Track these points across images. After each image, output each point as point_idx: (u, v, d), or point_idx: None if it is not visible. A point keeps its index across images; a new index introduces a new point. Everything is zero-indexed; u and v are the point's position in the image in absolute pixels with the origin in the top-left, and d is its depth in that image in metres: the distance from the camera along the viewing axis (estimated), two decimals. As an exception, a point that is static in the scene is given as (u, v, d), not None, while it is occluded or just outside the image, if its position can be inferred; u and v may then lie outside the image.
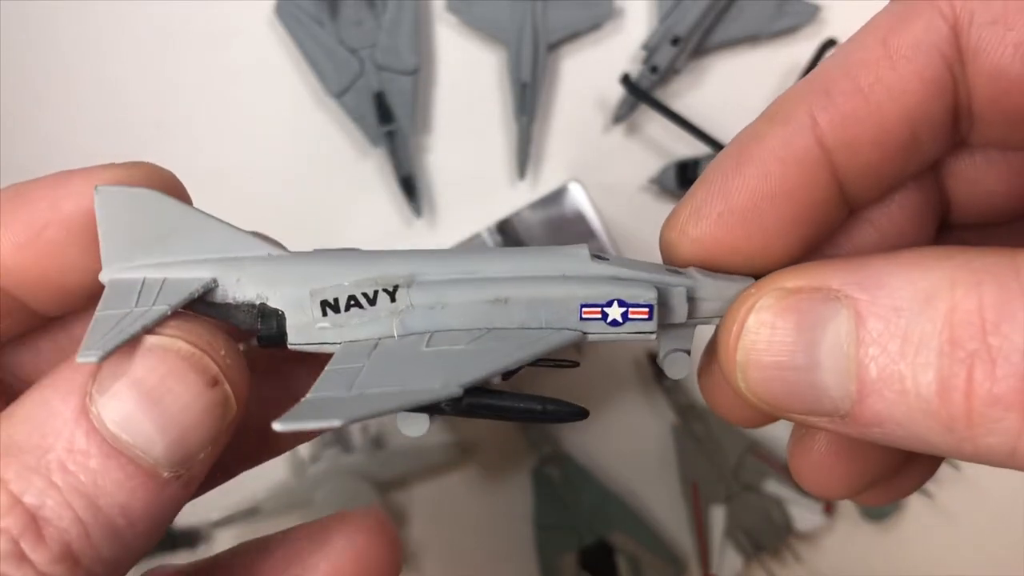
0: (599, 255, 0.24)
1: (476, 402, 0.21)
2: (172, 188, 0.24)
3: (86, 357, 0.20)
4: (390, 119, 0.59)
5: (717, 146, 0.57)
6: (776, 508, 0.59)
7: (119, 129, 0.61)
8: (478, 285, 0.23)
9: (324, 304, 0.23)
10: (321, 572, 0.26)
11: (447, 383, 0.20)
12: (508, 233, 0.57)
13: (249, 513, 0.59)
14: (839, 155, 0.23)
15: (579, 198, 0.56)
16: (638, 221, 0.60)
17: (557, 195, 0.56)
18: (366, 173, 0.61)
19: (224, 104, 0.62)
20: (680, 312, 0.24)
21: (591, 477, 0.60)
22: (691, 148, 0.59)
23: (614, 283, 0.23)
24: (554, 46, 0.61)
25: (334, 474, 0.59)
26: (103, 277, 0.23)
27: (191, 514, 0.59)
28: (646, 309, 0.23)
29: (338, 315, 0.23)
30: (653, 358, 0.60)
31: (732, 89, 0.61)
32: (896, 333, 0.19)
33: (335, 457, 0.59)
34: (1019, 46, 0.20)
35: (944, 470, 0.61)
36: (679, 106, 0.59)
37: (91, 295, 0.23)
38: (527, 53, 0.59)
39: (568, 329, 0.23)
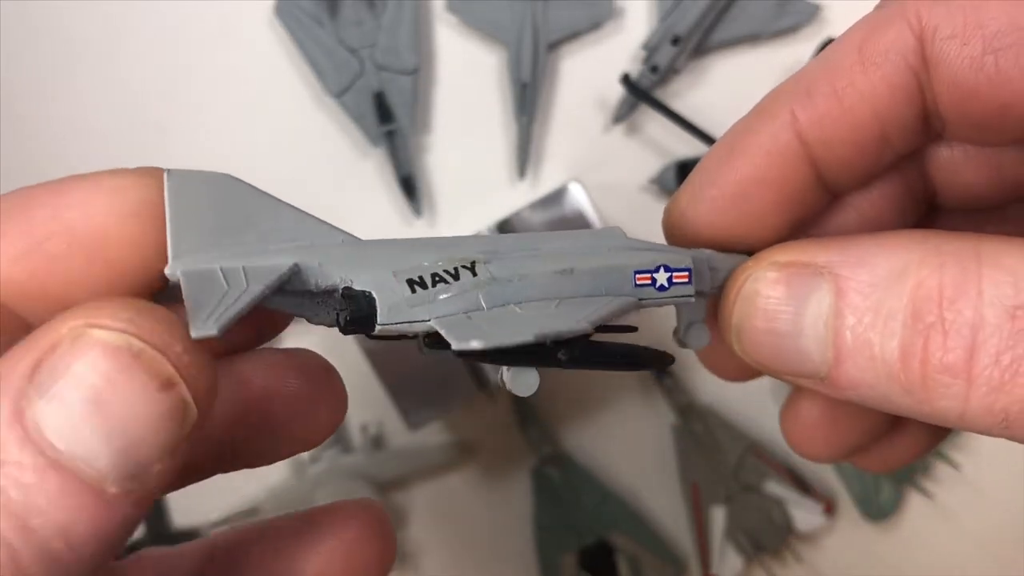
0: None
1: (596, 343, 0.23)
2: None
3: (203, 330, 0.19)
4: (390, 119, 0.59)
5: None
6: (776, 508, 0.59)
7: (119, 129, 0.61)
8: (546, 258, 0.25)
9: (411, 283, 0.22)
10: (314, 561, 0.26)
11: (579, 320, 0.22)
12: (508, 233, 0.56)
13: (249, 513, 0.59)
14: (817, 149, 0.25)
15: (579, 198, 0.56)
16: (638, 221, 0.60)
17: (557, 195, 0.56)
18: (366, 173, 0.61)
19: (224, 104, 0.62)
20: (705, 280, 0.26)
21: (591, 477, 0.60)
22: (691, 148, 0.59)
23: (657, 251, 0.26)
24: (554, 46, 0.61)
25: (334, 474, 0.59)
26: (171, 271, 0.20)
27: (191, 514, 0.59)
28: (686, 273, 0.26)
29: (426, 291, 0.23)
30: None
31: (732, 89, 0.61)
32: (870, 306, 0.22)
33: (335, 457, 0.59)
34: (973, 60, 0.23)
35: (944, 470, 0.61)
36: (679, 106, 0.59)
37: None
38: (527, 53, 0.59)
39: (626, 296, 0.25)
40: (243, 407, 0.24)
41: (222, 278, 0.20)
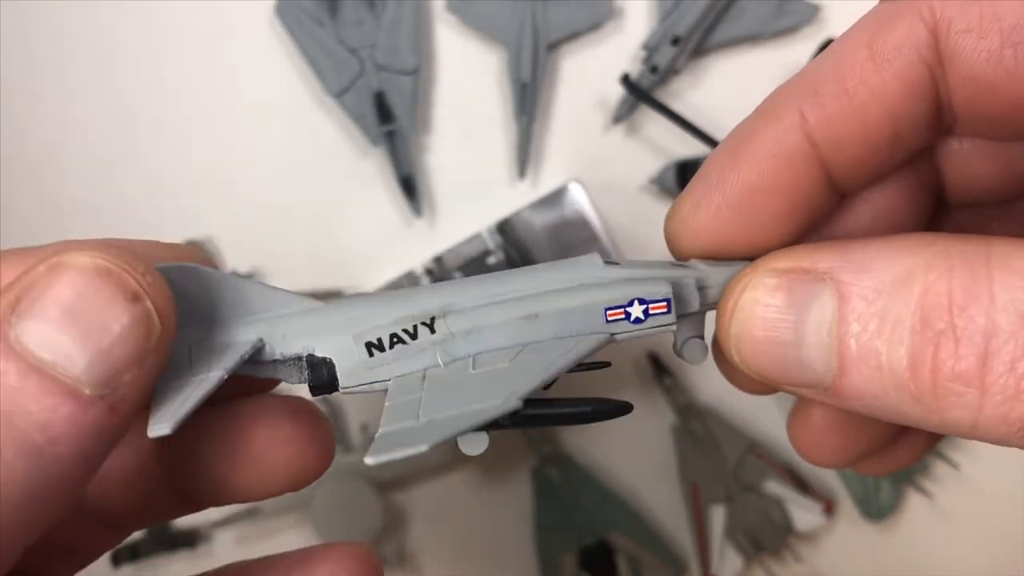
0: (610, 260, 0.26)
1: (532, 412, 0.23)
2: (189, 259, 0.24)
3: (159, 430, 0.21)
4: (390, 119, 0.59)
5: (717, 146, 0.57)
6: (776, 508, 0.59)
7: (119, 129, 0.61)
8: (508, 305, 0.25)
9: (369, 345, 0.24)
10: None
11: (507, 397, 0.22)
12: (508, 233, 0.57)
13: (249, 513, 0.59)
14: (827, 151, 0.24)
15: (579, 198, 0.56)
16: (638, 221, 0.60)
17: (557, 195, 0.56)
18: (366, 173, 0.61)
19: (224, 104, 0.62)
20: (693, 301, 0.25)
21: (591, 477, 0.60)
22: (691, 148, 0.59)
23: (631, 284, 0.25)
24: (554, 46, 0.61)
25: (334, 474, 0.59)
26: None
27: (192, 515, 0.59)
28: (664, 303, 0.25)
29: (384, 353, 0.24)
30: (653, 358, 0.61)
31: (732, 89, 0.61)
32: (875, 313, 0.21)
33: (335, 457, 0.59)
34: (991, 54, 0.22)
35: (944, 470, 0.61)
36: (679, 106, 0.59)
37: None
38: (527, 53, 0.59)
39: (597, 333, 0.25)
40: (236, 447, 0.26)
41: (190, 361, 0.23)
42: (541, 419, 0.23)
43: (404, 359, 0.24)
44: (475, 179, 0.62)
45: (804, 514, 0.59)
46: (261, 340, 0.24)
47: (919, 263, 0.21)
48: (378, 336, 0.24)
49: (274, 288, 0.25)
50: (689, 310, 0.25)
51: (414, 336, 0.24)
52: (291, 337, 0.24)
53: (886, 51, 0.23)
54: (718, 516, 0.59)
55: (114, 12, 0.61)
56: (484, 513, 0.62)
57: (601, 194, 0.57)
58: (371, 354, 0.24)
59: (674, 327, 0.25)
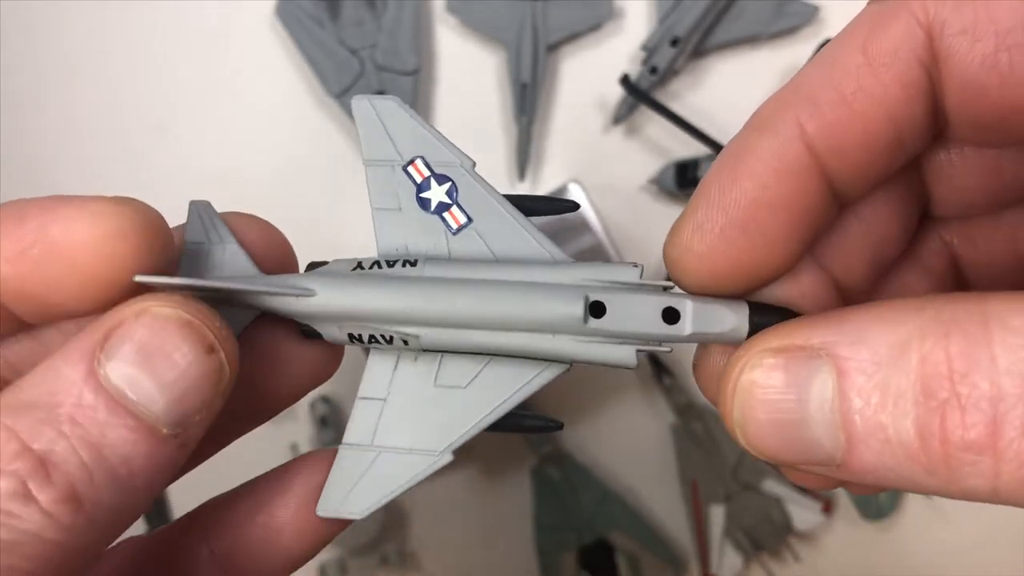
0: (594, 301, 0.25)
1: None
2: (156, 225, 0.25)
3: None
4: (390, 119, 0.59)
5: (716, 146, 0.57)
6: (775, 507, 0.59)
7: (120, 129, 0.62)
8: (476, 337, 0.26)
9: (351, 336, 0.27)
10: (284, 515, 0.28)
11: (443, 450, 0.26)
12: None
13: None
14: (829, 160, 0.23)
15: (579, 198, 0.56)
16: (638, 221, 0.60)
17: (557, 195, 0.56)
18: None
19: (224, 104, 0.62)
20: (665, 354, 0.25)
21: (591, 477, 0.60)
22: (690, 148, 0.60)
23: (602, 348, 0.25)
24: (554, 46, 0.61)
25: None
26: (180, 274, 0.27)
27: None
28: (629, 369, 0.26)
29: (361, 343, 0.27)
30: (653, 358, 0.61)
31: (732, 90, 0.61)
32: (876, 386, 0.20)
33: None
34: (986, 57, 0.21)
35: (943, 470, 0.61)
36: (678, 107, 0.59)
37: (69, 312, 0.25)
38: (527, 53, 0.59)
39: (555, 363, 0.26)
40: (271, 356, 0.28)
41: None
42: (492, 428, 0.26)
43: (379, 352, 0.27)
44: (475, 179, 0.62)
45: (803, 513, 0.59)
46: (267, 311, 0.27)
47: (914, 331, 0.20)
48: (359, 332, 0.26)
49: (268, 288, 0.27)
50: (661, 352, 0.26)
51: (390, 343, 0.26)
52: (294, 315, 0.27)
53: (882, 54, 0.23)
54: (717, 515, 0.59)
55: (115, 13, 0.62)
56: (484, 513, 0.62)
57: (601, 194, 0.57)
58: (351, 341, 0.27)
59: (636, 367, 0.26)
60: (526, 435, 0.60)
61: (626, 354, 0.25)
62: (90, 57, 0.62)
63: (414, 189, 0.28)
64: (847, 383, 0.21)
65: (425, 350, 0.26)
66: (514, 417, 0.26)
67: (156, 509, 0.58)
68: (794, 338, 0.22)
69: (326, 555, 0.59)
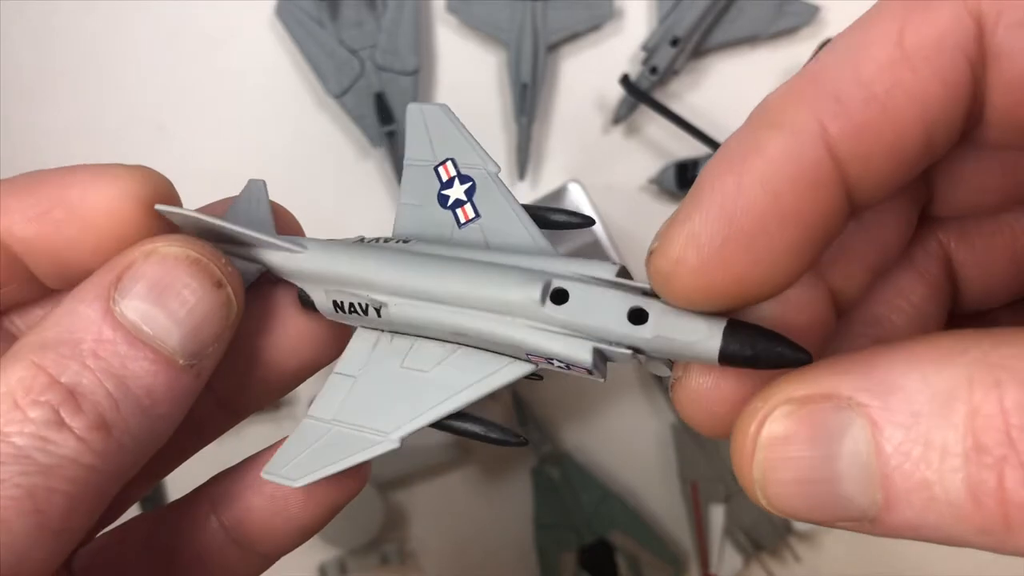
0: (557, 288, 0.24)
1: (443, 422, 0.25)
2: (165, 192, 0.27)
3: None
4: (390, 119, 0.59)
5: (716, 146, 0.57)
6: (775, 508, 0.59)
7: (120, 129, 0.62)
8: (440, 314, 0.25)
9: (335, 304, 0.27)
10: (301, 497, 0.29)
11: (390, 435, 0.25)
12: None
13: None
14: (852, 167, 0.20)
15: (579, 198, 0.56)
16: (638, 221, 0.60)
17: (557, 195, 0.56)
18: (366, 173, 0.62)
19: (224, 105, 0.62)
20: (628, 363, 0.24)
21: (591, 477, 0.60)
22: (690, 148, 0.60)
23: (556, 339, 0.24)
24: (554, 46, 0.61)
25: (334, 474, 0.59)
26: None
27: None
28: (584, 369, 0.24)
29: (344, 313, 0.28)
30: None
31: (732, 90, 0.61)
32: (917, 439, 0.18)
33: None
34: None
35: (943, 470, 0.61)
36: (678, 107, 0.59)
37: (86, 271, 0.26)
38: (527, 53, 0.59)
39: (521, 361, 0.25)
40: (278, 328, 0.30)
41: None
42: (437, 427, 0.26)
43: (360, 322, 0.28)
44: (475, 179, 0.62)
45: (803, 513, 0.59)
46: (264, 270, 0.28)
47: (959, 379, 0.18)
48: (340, 299, 0.27)
49: (268, 238, 0.28)
50: (623, 363, 0.24)
51: (365, 312, 0.27)
52: (283, 274, 0.28)
53: (922, 47, 0.20)
54: (717, 515, 0.59)
55: (115, 14, 0.62)
56: (484, 513, 0.62)
57: (601, 194, 0.57)
58: (335, 311, 0.28)
59: (603, 381, 0.24)
60: (525, 433, 0.60)
61: (582, 351, 0.23)
62: (90, 57, 0.62)
63: (438, 187, 0.29)
64: (883, 437, 0.18)
65: (396, 331, 0.27)
66: (472, 422, 0.26)
67: (153, 495, 0.58)
68: (819, 386, 0.20)
69: (326, 555, 0.59)
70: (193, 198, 0.29)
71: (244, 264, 0.28)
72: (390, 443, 0.25)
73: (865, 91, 0.20)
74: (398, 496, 0.61)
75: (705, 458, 0.60)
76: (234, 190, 0.31)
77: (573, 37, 0.61)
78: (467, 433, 0.26)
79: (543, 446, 0.60)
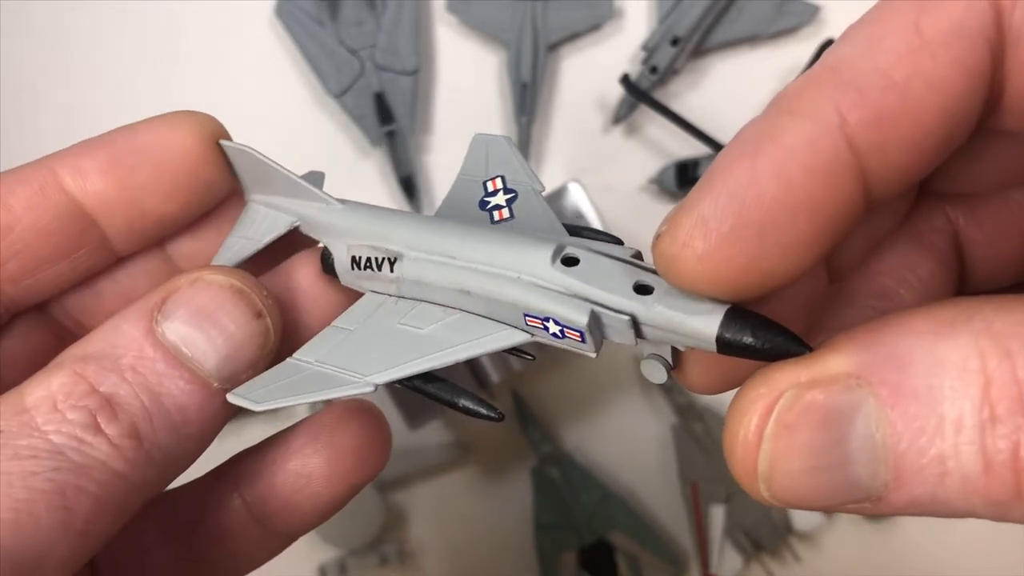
0: (568, 255, 0.24)
1: (403, 384, 0.25)
2: (221, 131, 0.29)
3: (217, 261, 0.29)
4: (390, 119, 0.59)
5: (716, 146, 0.57)
6: (776, 508, 0.59)
7: (119, 129, 0.61)
8: (450, 271, 0.26)
9: (352, 260, 0.28)
10: (316, 461, 0.30)
11: (365, 378, 0.25)
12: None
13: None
14: (871, 158, 0.20)
15: (579, 198, 0.56)
16: (638, 221, 0.60)
17: (557, 195, 0.56)
18: (366, 173, 0.61)
19: (224, 104, 0.62)
20: (625, 335, 0.23)
21: (591, 477, 0.60)
22: (691, 148, 0.60)
23: (556, 299, 0.23)
24: (554, 46, 0.61)
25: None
26: (248, 198, 0.31)
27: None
28: (577, 333, 0.23)
29: (360, 271, 0.28)
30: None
31: (732, 89, 0.61)
32: (932, 413, 0.18)
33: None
34: None
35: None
36: (679, 106, 0.59)
37: (159, 217, 0.28)
38: (527, 53, 0.59)
39: (519, 329, 0.25)
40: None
41: (255, 219, 0.30)
42: (414, 390, 0.25)
43: (372, 281, 0.28)
44: (475, 179, 0.62)
45: (803, 513, 0.59)
46: (297, 223, 0.30)
47: (969, 350, 0.18)
48: (359, 254, 0.28)
49: (307, 185, 0.30)
50: (620, 341, 0.23)
51: (379, 267, 0.27)
52: (312, 229, 0.30)
53: (942, 33, 0.19)
54: (718, 516, 0.59)
55: (115, 13, 0.62)
56: (484, 513, 0.62)
57: (601, 194, 0.57)
58: (352, 267, 0.28)
59: (595, 355, 0.24)
60: (526, 435, 0.60)
61: (579, 312, 0.23)
62: (88, 57, 0.62)
63: (482, 195, 0.30)
64: (896, 412, 0.18)
65: (403, 296, 0.27)
66: (450, 391, 0.25)
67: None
68: (825, 367, 0.19)
69: (326, 555, 0.59)
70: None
71: (276, 215, 0.30)
72: (364, 386, 0.25)
73: (884, 79, 0.19)
74: (398, 496, 0.61)
75: (705, 458, 0.60)
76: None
77: (573, 37, 0.61)
78: (439, 398, 0.25)
79: (543, 446, 0.60)
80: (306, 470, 0.29)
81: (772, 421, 0.19)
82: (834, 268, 0.25)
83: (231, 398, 0.26)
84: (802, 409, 0.19)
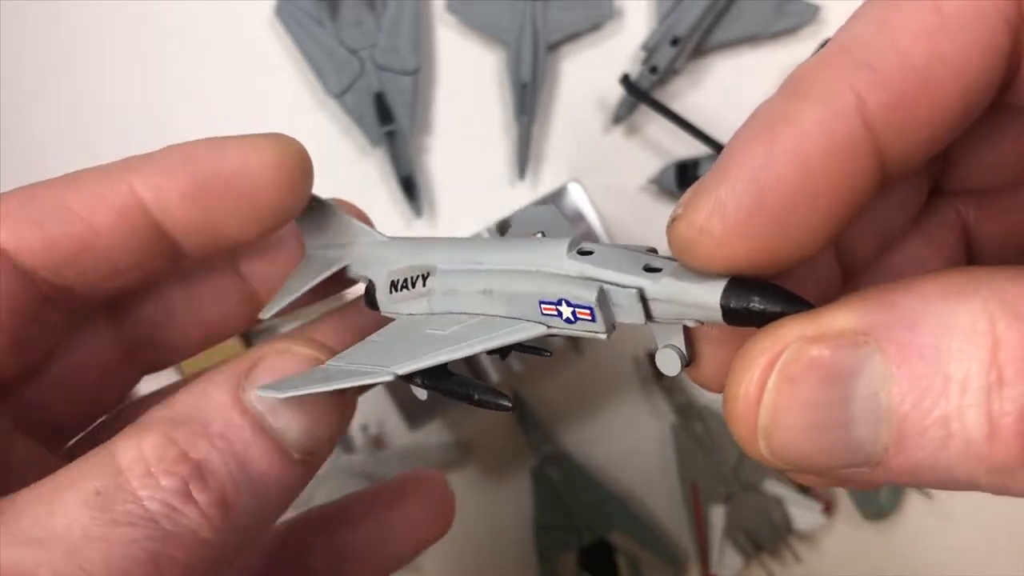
0: (584, 248, 0.25)
1: (422, 382, 0.26)
2: (305, 160, 0.29)
3: (267, 312, 0.31)
4: (390, 119, 0.59)
5: (717, 146, 0.57)
6: (776, 508, 0.59)
7: (119, 129, 0.61)
8: (475, 276, 0.27)
9: (391, 284, 0.29)
10: (398, 518, 0.31)
11: (384, 370, 0.25)
12: (508, 233, 0.57)
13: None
14: (888, 139, 0.20)
15: (579, 198, 0.56)
16: (638, 221, 0.60)
17: (557, 195, 0.56)
18: (366, 173, 0.61)
19: (224, 104, 0.62)
20: (635, 313, 0.23)
21: (591, 477, 0.60)
22: (691, 148, 0.60)
23: (566, 281, 0.24)
24: (554, 46, 0.61)
25: (334, 474, 0.59)
26: (308, 251, 0.33)
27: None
28: (587, 311, 0.23)
29: (398, 293, 0.29)
30: (653, 357, 0.61)
31: (732, 89, 0.61)
32: (938, 374, 0.17)
33: (335, 457, 0.60)
34: None
35: (943, 470, 0.61)
36: (679, 106, 0.59)
37: (237, 240, 0.28)
38: (527, 53, 0.59)
39: (535, 322, 0.25)
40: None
41: (311, 264, 0.32)
42: (432, 388, 0.26)
43: (407, 302, 0.29)
44: (475, 179, 0.62)
45: (803, 514, 0.59)
46: (347, 265, 0.31)
47: (979, 314, 0.17)
48: (397, 278, 0.29)
49: (361, 224, 0.31)
50: (631, 320, 0.23)
51: (414, 284, 0.28)
52: (360, 266, 0.31)
53: (962, 13, 0.19)
54: (718, 516, 0.59)
55: (114, 12, 0.62)
56: (484, 513, 0.62)
57: (601, 194, 0.57)
58: (390, 292, 0.29)
59: (605, 337, 0.24)
60: (526, 435, 0.60)
61: (588, 290, 0.23)
62: (90, 56, 0.62)
63: None
64: (902, 372, 0.18)
65: (433, 312, 0.28)
66: (465, 385, 0.26)
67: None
68: (833, 322, 0.19)
69: (326, 555, 0.59)
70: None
71: (331, 258, 0.31)
72: (385, 374, 0.25)
73: (903, 60, 0.19)
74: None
75: (705, 458, 0.60)
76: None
77: (573, 37, 0.61)
78: (455, 392, 0.26)
79: (543, 446, 0.60)
80: (388, 525, 0.31)
81: (775, 372, 0.19)
82: (847, 266, 0.25)
83: (261, 392, 0.26)
84: (807, 363, 0.19)
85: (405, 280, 0.29)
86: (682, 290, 0.22)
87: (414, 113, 0.59)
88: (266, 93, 0.62)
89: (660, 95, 0.60)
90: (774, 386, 0.19)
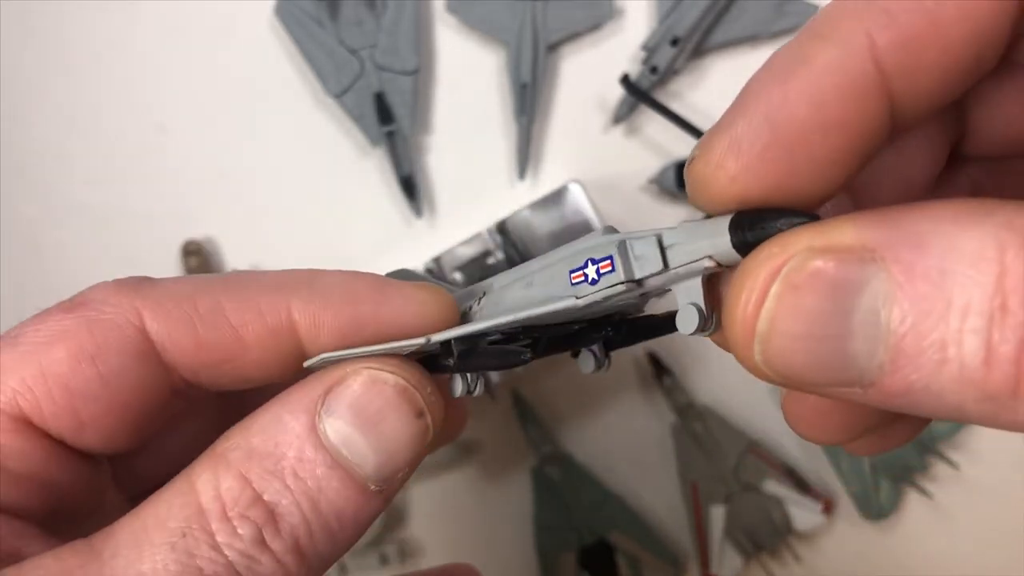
0: (611, 228, 0.26)
1: (450, 361, 0.26)
2: (455, 314, 0.28)
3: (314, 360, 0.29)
4: (390, 119, 0.59)
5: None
6: (776, 508, 0.59)
7: (120, 129, 0.61)
8: (522, 279, 0.27)
9: (462, 312, 0.29)
10: None
11: (429, 338, 0.26)
12: (508, 233, 0.57)
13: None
14: (898, 81, 0.20)
15: (579, 198, 0.56)
16: (638, 221, 0.60)
17: (557, 195, 0.56)
18: (366, 173, 0.61)
19: (224, 104, 0.62)
20: (652, 259, 0.23)
21: (591, 477, 0.60)
22: (691, 148, 0.59)
23: (594, 246, 0.25)
24: (554, 46, 0.61)
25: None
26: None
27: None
28: (608, 261, 0.24)
29: (465, 319, 0.29)
30: (653, 358, 0.61)
31: (732, 89, 0.61)
32: (940, 297, 0.17)
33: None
34: None
35: (943, 469, 0.61)
36: (679, 106, 0.59)
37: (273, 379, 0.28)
38: (527, 53, 0.59)
39: (562, 297, 0.25)
40: None
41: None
42: (476, 359, 0.27)
43: (465, 326, 0.28)
44: (475, 179, 0.62)
45: (803, 514, 0.59)
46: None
47: (988, 238, 0.17)
48: (466, 305, 0.30)
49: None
50: (651, 269, 0.24)
51: (472, 308, 0.29)
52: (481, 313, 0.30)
53: None
54: (717, 515, 0.59)
55: (114, 12, 0.62)
56: (484, 513, 0.62)
57: (601, 194, 0.57)
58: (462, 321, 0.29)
59: (624, 287, 0.24)
60: (526, 435, 0.60)
61: (611, 245, 0.24)
62: (90, 57, 0.62)
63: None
64: (904, 292, 0.18)
65: (484, 307, 0.29)
66: (489, 355, 0.27)
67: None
68: (842, 236, 0.19)
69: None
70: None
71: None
72: (420, 339, 0.25)
73: (913, 2, 0.20)
74: (398, 496, 0.61)
75: (705, 458, 0.60)
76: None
77: (573, 37, 0.61)
78: (480, 365, 0.27)
79: (543, 446, 0.60)
80: None
81: (779, 279, 0.19)
82: None
83: (306, 364, 0.26)
84: (812, 272, 0.19)
85: (470, 306, 0.29)
86: (696, 229, 0.22)
87: (414, 113, 0.59)
88: (266, 93, 0.62)
89: (660, 95, 0.60)
90: (777, 292, 0.19)
